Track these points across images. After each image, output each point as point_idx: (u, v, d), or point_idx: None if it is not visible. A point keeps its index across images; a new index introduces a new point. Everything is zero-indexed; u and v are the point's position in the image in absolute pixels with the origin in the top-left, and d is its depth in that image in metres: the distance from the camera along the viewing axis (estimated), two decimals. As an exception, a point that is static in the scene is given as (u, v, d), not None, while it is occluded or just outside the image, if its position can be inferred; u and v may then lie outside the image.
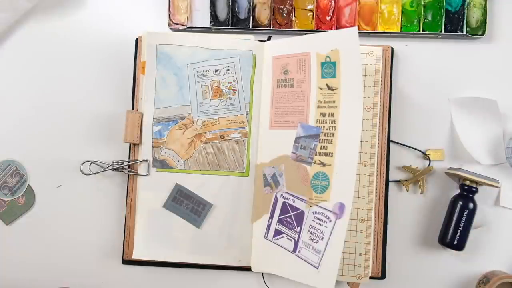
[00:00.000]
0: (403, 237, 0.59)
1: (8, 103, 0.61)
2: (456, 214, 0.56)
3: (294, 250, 0.54)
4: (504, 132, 0.59)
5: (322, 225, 0.52)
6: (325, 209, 0.53)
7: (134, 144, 0.58)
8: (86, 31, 0.61)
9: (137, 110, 0.58)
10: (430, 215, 0.59)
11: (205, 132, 0.57)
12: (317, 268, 0.52)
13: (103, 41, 0.61)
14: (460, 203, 0.56)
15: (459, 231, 0.56)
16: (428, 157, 0.59)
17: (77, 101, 0.61)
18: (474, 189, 0.56)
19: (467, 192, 0.57)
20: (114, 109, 0.60)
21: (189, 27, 0.60)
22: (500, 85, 0.60)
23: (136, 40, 0.59)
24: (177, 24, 0.60)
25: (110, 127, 0.60)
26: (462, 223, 0.56)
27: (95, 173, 0.58)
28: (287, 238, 0.54)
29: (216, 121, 0.57)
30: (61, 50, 0.61)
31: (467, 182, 0.56)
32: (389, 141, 0.57)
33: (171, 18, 0.60)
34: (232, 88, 0.57)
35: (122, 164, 0.57)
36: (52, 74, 0.61)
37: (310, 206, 0.54)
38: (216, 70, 0.57)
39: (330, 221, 0.52)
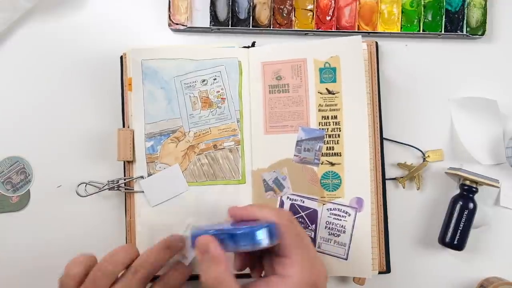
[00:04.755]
0: (403, 235, 0.59)
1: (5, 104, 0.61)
2: (456, 214, 0.56)
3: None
4: (504, 132, 0.59)
5: (341, 220, 0.55)
6: (342, 205, 0.55)
7: (129, 162, 0.57)
8: (86, 32, 0.61)
9: (128, 127, 0.58)
10: (430, 215, 0.59)
11: (198, 143, 0.57)
12: (346, 260, 0.54)
13: (103, 41, 0.61)
14: (460, 203, 0.56)
15: (459, 231, 0.56)
16: (424, 153, 0.59)
17: (69, 115, 0.60)
18: (474, 189, 0.56)
19: (467, 192, 0.57)
20: (107, 127, 0.59)
21: (189, 27, 0.60)
22: (500, 85, 0.60)
23: (121, 57, 0.59)
24: (177, 24, 0.60)
25: (103, 145, 0.59)
26: (462, 223, 0.56)
27: (91, 194, 0.57)
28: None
29: (208, 131, 0.57)
30: (61, 50, 0.61)
31: (467, 182, 0.56)
32: (381, 135, 0.57)
33: (171, 18, 0.60)
34: (221, 96, 0.57)
35: (118, 182, 0.57)
36: (49, 77, 0.61)
37: (324, 204, 0.55)
38: (203, 81, 0.57)
39: (350, 215, 0.54)
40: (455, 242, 0.56)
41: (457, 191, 0.58)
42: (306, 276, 0.42)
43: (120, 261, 0.46)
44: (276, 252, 0.44)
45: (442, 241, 0.57)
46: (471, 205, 0.56)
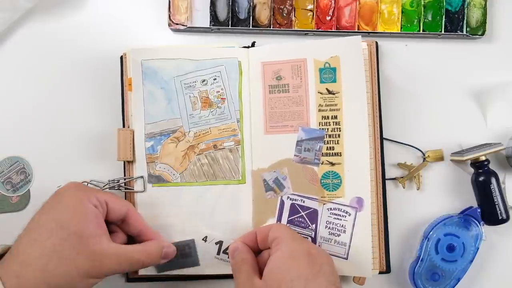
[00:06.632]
0: (403, 235, 0.59)
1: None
2: (486, 193, 0.56)
3: None
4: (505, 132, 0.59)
5: (341, 219, 0.55)
6: (342, 204, 0.55)
7: (129, 162, 0.57)
8: (86, 32, 0.61)
9: (128, 127, 0.58)
10: (429, 215, 0.59)
11: (198, 143, 0.57)
12: (347, 259, 0.54)
13: (103, 41, 0.61)
14: (482, 180, 0.56)
15: (497, 206, 0.56)
16: (424, 153, 0.59)
17: (69, 116, 0.60)
18: (486, 163, 0.56)
19: (481, 169, 0.56)
20: (107, 127, 0.59)
21: (189, 27, 0.60)
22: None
23: (121, 57, 0.59)
24: (177, 24, 0.60)
25: (103, 145, 0.59)
26: (496, 197, 0.56)
27: None
28: (302, 236, 0.55)
29: (208, 131, 0.57)
30: (61, 50, 0.61)
31: (477, 159, 0.56)
32: (381, 135, 0.57)
33: (171, 18, 0.60)
34: (221, 97, 0.57)
35: (118, 182, 0.57)
36: (49, 77, 0.61)
37: (324, 204, 0.55)
38: (203, 81, 0.57)
39: (350, 215, 0.55)
40: (504, 217, 0.55)
41: (457, 191, 0.58)
42: (296, 245, 0.48)
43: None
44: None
45: (492, 222, 0.56)
46: (491, 177, 0.56)
